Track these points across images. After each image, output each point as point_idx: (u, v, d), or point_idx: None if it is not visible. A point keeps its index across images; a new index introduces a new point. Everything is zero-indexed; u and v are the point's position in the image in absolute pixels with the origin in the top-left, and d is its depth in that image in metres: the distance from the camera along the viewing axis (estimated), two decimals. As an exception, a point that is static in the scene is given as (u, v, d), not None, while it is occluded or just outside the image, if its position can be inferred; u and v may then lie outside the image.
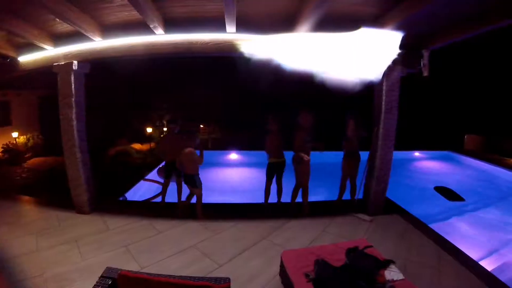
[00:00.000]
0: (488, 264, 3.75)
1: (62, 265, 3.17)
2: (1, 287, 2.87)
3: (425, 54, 4.20)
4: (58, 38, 4.24)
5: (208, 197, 4.75)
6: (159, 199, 5.17)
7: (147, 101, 12.89)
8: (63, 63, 4.27)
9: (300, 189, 4.66)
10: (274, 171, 4.63)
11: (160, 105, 12.92)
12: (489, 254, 4.43)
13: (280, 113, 4.56)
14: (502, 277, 3.11)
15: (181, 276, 2.32)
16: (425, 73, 4.22)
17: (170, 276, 2.29)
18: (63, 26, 3.89)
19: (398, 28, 3.47)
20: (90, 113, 4.69)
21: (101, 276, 2.14)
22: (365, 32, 3.56)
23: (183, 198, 4.75)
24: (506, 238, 5.02)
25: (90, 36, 3.91)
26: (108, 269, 2.22)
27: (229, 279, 2.24)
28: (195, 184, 4.30)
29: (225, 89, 13.61)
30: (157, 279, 2.09)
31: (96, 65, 4.55)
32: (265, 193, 4.77)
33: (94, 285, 2.05)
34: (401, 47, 3.76)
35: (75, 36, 4.03)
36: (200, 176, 4.38)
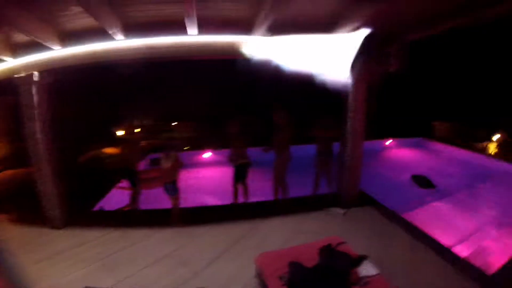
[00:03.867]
0: (462, 250, 3.89)
1: (39, 285, 3.08)
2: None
3: (393, 49, 4.25)
4: (17, 49, 4.03)
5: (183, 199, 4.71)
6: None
7: (119, 104, 12.46)
8: (23, 74, 4.08)
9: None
10: (239, 173, 4.82)
11: (133, 107, 12.51)
12: (462, 240, 4.62)
13: (242, 116, 4.64)
14: (477, 262, 3.22)
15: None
16: (393, 68, 4.29)
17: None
18: (20, 36, 3.71)
19: (364, 25, 3.51)
20: (59, 121, 4.52)
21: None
22: (326, 35, 3.61)
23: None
24: (478, 223, 5.22)
25: (49, 45, 3.75)
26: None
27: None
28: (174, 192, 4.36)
29: (200, 88, 13.40)
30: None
31: (66, 72, 4.37)
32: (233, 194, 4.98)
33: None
34: (367, 44, 3.83)
35: (35, 45, 3.82)
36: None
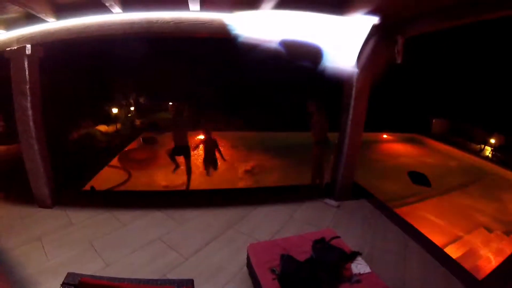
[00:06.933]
0: (453, 251, 3.90)
1: (27, 267, 3.02)
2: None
3: (400, 40, 4.12)
4: (10, 21, 3.82)
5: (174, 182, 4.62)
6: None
7: (111, 80, 12.16)
8: (15, 47, 3.89)
9: None
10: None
11: (125, 84, 12.22)
12: (454, 240, 4.61)
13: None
14: (466, 265, 3.22)
15: (141, 279, 2.28)
16: (398, 60, 4.17)
17: (131, 280, 2.24)
18: (14, 8, 3.50)
19: (372, 12, 3.36)
20: (50, 98, 4.36)
21: (63, 283, 2.08)
22: (334, 16, 3.46)
23: None
24: (470, 224, 5.23)
25: (42, 17, 3.56)
26: (69, 275, 2.15)
27: (192, 281, 2.22)
28: None
29: (192, 67, 13.13)
30: (117, 285, 2.05)
31: (56, 46, 4.19)
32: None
33: (57, 293, 1.98)
34: (374, 32, 3.69)
35: (28, 18, 3.67)
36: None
